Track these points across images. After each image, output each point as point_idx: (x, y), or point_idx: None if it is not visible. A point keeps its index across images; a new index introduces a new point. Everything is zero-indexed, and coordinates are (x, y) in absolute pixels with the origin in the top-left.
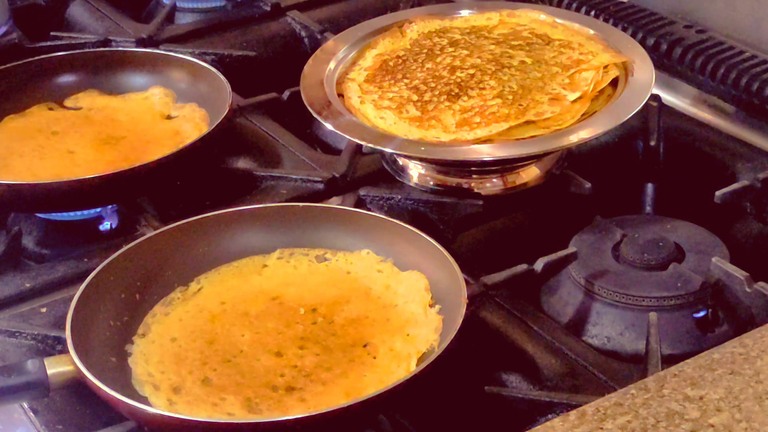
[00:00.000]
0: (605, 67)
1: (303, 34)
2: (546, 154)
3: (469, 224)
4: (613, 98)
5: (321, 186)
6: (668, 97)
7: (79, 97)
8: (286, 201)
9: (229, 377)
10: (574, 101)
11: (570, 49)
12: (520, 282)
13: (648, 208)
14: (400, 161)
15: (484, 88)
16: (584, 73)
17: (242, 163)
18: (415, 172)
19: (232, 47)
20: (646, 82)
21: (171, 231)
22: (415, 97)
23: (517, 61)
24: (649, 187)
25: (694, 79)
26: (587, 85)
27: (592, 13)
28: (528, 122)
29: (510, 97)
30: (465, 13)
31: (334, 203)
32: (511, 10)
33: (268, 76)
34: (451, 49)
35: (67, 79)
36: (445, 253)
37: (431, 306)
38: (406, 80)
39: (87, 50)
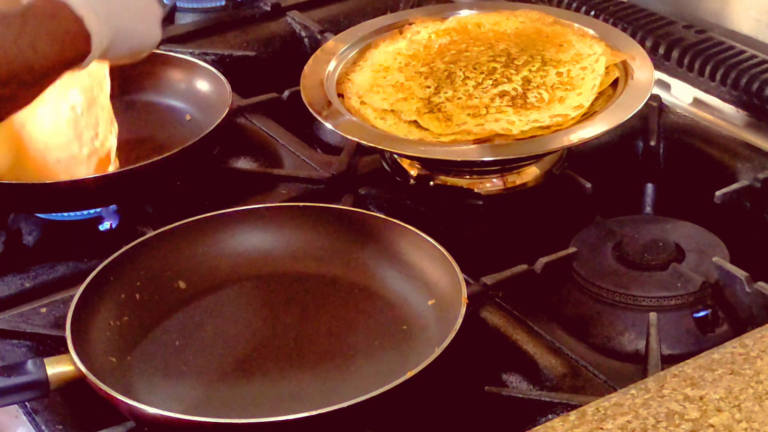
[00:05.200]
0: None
1: (303, 34)
2: (546, 154)
3: (469, 224)
4: (613, 98)
5: (321, 186)
6: (668, 97)
7: None
8: (286, 201)
9: None
10: None
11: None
12: (520, 282)
13: (648, 208)
14: (400, 161)
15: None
16: None
17: (242, 163)
18: (415, 172)
19: (232, 47)
20: (646, 82)
21: (171, 231)
22: None
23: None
24: (649, 187)
25: (694, 80)
26: None
27: (592, 13)
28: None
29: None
30: (465, 13)
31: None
32: (511, 10)
33: (268, 76)
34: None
35: None
36: (445, 253)
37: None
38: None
39: None
